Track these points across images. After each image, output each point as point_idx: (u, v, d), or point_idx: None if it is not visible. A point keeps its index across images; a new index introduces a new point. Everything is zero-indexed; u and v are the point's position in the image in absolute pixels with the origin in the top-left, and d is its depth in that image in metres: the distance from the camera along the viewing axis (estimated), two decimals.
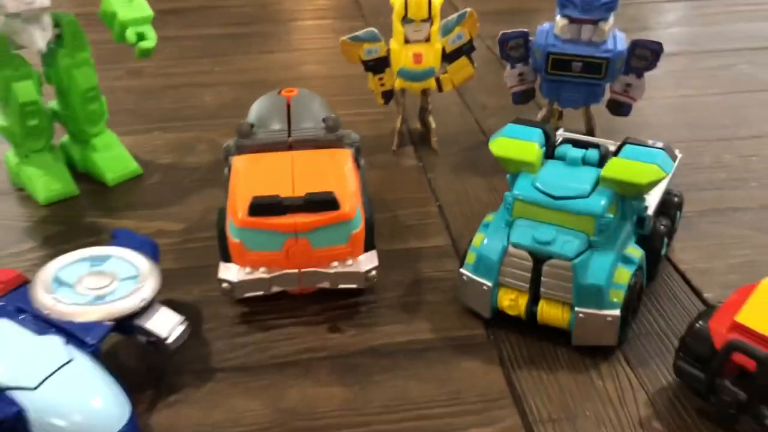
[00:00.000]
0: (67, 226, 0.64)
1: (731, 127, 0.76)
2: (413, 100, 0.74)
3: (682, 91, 0.85)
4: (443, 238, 0.60)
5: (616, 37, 0.66)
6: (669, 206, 0.55)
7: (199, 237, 0.61)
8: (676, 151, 0.56)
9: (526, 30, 0.68)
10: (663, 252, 0.53)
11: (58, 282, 0.45)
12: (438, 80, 0.70)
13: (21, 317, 0.43)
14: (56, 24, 0.65)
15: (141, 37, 0.63)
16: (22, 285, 0.46)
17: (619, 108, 0.69)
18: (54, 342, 0.41)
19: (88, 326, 0.42)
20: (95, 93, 0.68)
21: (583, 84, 0.67)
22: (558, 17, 0.65)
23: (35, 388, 0.38)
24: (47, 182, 0.67)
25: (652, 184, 0.45)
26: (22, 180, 0.67)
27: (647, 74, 0.66)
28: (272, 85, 0.88)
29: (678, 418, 0.42)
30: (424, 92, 0.71)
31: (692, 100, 0.82)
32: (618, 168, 0.46)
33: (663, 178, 0.45)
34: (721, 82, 0.87)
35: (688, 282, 0.54)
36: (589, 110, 0.70)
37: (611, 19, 0.64)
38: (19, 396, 0.38)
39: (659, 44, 0.65)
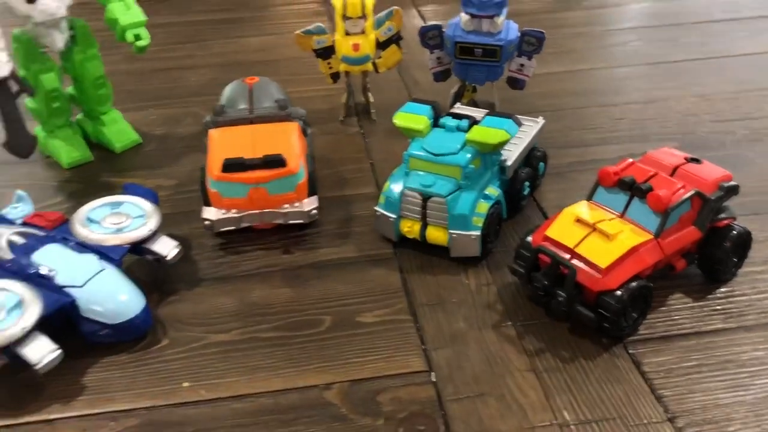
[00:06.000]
0: (85, 184, 0.80)
1: (610, 95, 0.92)
2: (358, 80, 0.89)
3: (579, 65, 1.00)
4: (371, 187, 0.77)
5: (509, 28, 0.82)
6: (533, 159, 0.73)
7: (187, 189, 0.77)
8: (539, 118, 0.75)
9: (440, 24, 0.85)
10: (526, 192, 0.72)
11: (89, 220, 0.63)
12: (374, 64, 0.86)
13: (68, 243, 0.61)
14: (71, 27, 0.78)
15: (138, 37, 0.78)
16: (64, 222, 0.63)
17: (516, 83, 0.85)
18: (91, 258, 0.59)
19: (113, 248, 0.61)
20: (103, 80, 0.83)
21: (484, 65, 0.82)
22: (462, 13, 0.81)
23: (82, 286, 0.56)
24: (69, 151, 0.82)
25: (501, 144, 0.64)
26: (49, 150, 0.83)
27: (546, 54, 0.82)
28: (247, 67, 1.06)
29: (512, 302, 0.61)
30: (364, 73, 0.88)
31: (584, 74, 0.98)
32: (477, 133, 0.64)
33: (508, 139, 0.63)
34: (614, 57, 1.03)
35: (544, 215, 0.72)
36: (494, 85, 0.88)
37: (503, 14, 0.81)
38: (72, 291, 0.56)
39: (542, 32, 0.82)
